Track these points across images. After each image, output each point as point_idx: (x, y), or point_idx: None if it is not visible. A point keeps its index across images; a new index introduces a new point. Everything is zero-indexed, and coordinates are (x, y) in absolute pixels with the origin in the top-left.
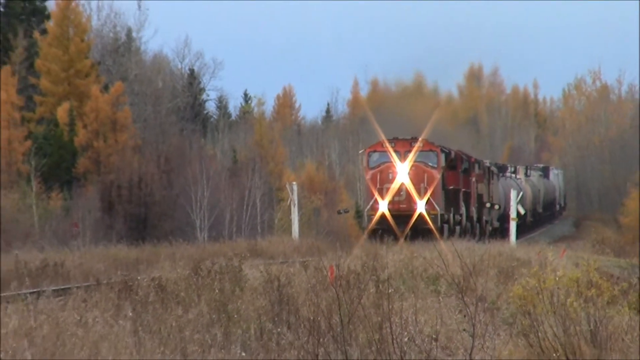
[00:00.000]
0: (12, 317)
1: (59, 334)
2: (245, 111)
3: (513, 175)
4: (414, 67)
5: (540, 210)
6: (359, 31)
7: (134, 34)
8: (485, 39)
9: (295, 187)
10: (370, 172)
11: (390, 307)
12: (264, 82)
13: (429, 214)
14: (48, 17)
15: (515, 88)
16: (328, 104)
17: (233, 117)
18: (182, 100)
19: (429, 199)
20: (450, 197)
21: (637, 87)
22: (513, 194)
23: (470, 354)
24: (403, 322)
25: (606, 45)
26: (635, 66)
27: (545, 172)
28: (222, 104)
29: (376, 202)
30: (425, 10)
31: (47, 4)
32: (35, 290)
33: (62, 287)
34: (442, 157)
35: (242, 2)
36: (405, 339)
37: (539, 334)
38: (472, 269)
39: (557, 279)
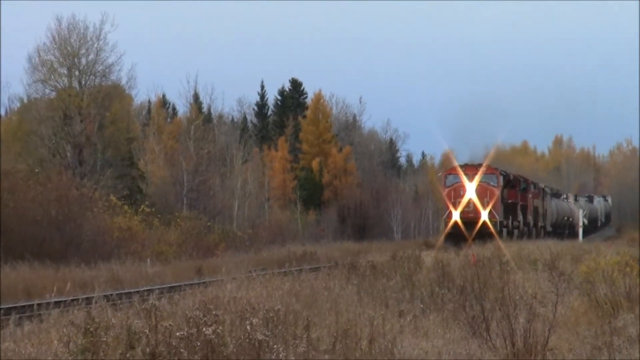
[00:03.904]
0: (286, 284)
1: (314, 294)
2: (423, 164)
3: (565, 199)
4: (522, 136)
5: (587, 223)
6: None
7: (357, 117)
8: (563, 118)
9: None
10: (447, 189)
11: (508, 278)
12: (435, 146)
13: (490, 221)
14: (307, 108)
15: (582, 149)
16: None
17: (416, 167)
18: (385, 157)
19: (490, 210)
20: (509, 209)
21: None
22: (580, 212)
23: (555, 305)
24: (515, 287)
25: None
26: None
27: (590, 198)
28: (409, 159)
29: (451, 212)
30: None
31: (306, 100)
32: (299, 268)
33: (315, 266)
34: (501, 178)
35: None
36: (517, 297)
37: (596, 293)
38: (557, 255)
39: (606, 261)
